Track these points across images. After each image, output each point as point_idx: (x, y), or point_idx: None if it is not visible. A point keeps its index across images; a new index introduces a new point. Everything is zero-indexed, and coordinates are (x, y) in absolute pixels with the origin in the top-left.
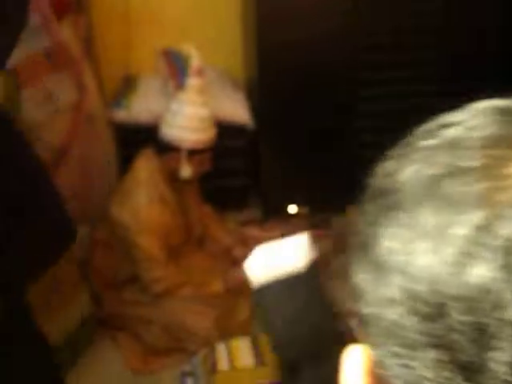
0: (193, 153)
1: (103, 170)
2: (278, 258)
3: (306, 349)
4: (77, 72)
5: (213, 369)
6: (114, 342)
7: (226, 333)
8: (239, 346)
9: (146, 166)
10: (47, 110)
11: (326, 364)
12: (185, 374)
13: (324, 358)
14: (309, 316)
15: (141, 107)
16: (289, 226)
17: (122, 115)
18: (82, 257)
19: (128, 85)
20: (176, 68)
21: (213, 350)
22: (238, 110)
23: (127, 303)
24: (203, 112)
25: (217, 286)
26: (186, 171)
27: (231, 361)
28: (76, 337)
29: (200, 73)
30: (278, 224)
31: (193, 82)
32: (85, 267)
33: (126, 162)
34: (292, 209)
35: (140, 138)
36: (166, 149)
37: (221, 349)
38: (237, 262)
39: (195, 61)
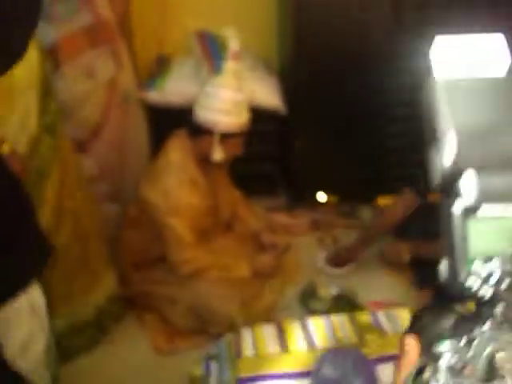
0: (226, 136)
1: (136, 149)
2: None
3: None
4: (115, 49)
5: (237, 354)
6: (140, 321)
7: (250, 317)
8: (264, 332)
9: (178, 147)
10: (86, 85)
11: None
12: (209, 358)
13: None
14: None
15: (174, 89)
16: (317, 213)
17: (155, 96)
18: (112, 235)
19: (161, 65)
20: (210, 51)
21: (238, 335)
22: (270, 95)
23: (155, 283)
24: (238, 96)
25: (243, 270)
26: (218, 154)
27: (256, 347)
28: (103, 314)
29: (237, 57)
30: (305, 211)
31: (230, 65)
32: (114, 245)
33: (157, 142)
34: (321, 197)
35: (172, 120)
36: (199, 131)
37: (246, 334)
38: (264, 247)
39: (233, 44)
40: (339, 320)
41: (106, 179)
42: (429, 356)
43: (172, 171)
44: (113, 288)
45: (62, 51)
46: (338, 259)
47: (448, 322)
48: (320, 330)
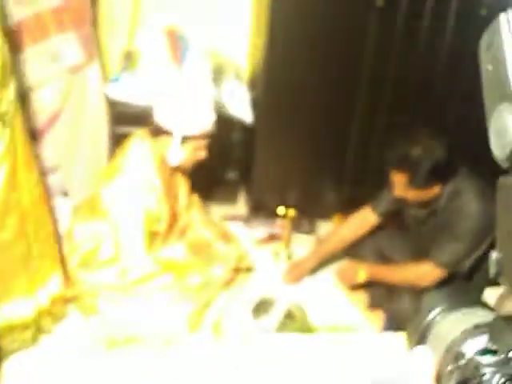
0: (188, 139)
1: (93, 143)
2: None
3: None
4: (83, 34)
5: None
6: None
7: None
8: None
9: (138, 148)
10: (52, 69)
11: None
12: None
13: None
14: None
15: (137, 86)
16: (273, 226)
17: (117, 91)
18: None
19: (128, 60)
20: (178, 49)
21: None
22: (239, 102)
23: (102, 285)
24: (202, 98)
25: (194, 280)
26: (176, 157)
27: None
28: (44, 314)
29: (203, 57)
30: (262, 223)
31: (195, 66)
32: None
33: (117, 139)
34: (280, 210)
35: (134, 117)
36: (160, 132)
37: None
38: (217, 258)
39: (199, 44)
40: None
41: (60, 171)
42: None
43: (130, 172)
44: (57, 288)
45: (26, 33)
46: (292, 275)
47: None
48: None
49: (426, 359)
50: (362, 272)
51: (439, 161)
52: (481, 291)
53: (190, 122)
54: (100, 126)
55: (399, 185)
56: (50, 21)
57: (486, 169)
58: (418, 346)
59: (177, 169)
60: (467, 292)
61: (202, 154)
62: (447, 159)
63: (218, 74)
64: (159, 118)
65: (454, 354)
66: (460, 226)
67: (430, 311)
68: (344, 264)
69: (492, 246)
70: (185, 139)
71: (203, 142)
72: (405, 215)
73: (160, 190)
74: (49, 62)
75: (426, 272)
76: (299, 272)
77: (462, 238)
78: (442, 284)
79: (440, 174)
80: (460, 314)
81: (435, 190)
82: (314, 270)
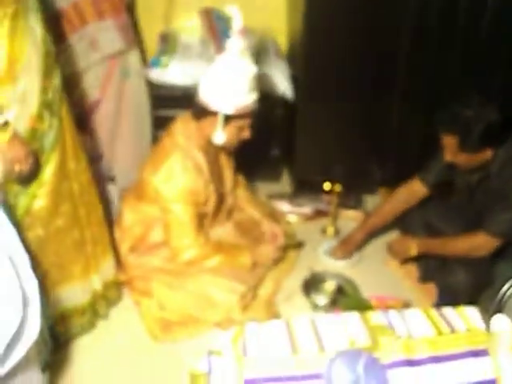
0: (231, 118)
1: (134, 129)
2: None
3: None
4: (121, 22)
5: (243, 352)
6: (137, 307)
7: (251, 309)
8: (272, 330)
9: (183, 131)
10: (91, 57)
11: None
12: (211, 353)
13: None
14: None
15: (179, 68)
16: (320, 202)
17: (159, 74)
18: (111, 217)
19: (166, 42)
20: (217, 29)
21: (243, 332)
22: (278, 78)
23: (153, 269)
24: (244, 75)
25: (246, 260)
26: (221, 137)
27: (263, 346)
28: (99, 299)
29: (242, 35)
30: (308, 199)
31: (235, 43)
32: (112, 229)
33: (160, 122)
34: (326, 185)
35: (176, 100)
36: (204, 113)
37: (252, 331)
38: (264, 237)
39: (238, 22)
40: (350, 319)
41: (104, 159)
42: None
43: (177, 156)
44: (110, 273)
45: (66, 21)
46: (341, 250)
47: None
48: (330, 329)
49: (506, 327)
50: (414, 246)
51: (492, 123)
52: None
53: (233, 102)
54: (142, 110)
55: (449, 149)
56: (87, 9)
57: None
58: (497, 315)
59: (222, 149)
60: None
61: (247, 134)
62: (500, 122)
63: (257, 51)
64: (203, 99)
65: None
66: None
67: (504, 282)
68: (395, 239)
69: None
70: (228, 119)
71: (247, 122)
72: (455, 183)
73: (207, 171)
74: (88, 51)
75: (479, 243)
76: (349, 247)
77: None
78: (508, 253)
79: (492, 137)
80: None
81: (487, 154)
82: (363, 244)
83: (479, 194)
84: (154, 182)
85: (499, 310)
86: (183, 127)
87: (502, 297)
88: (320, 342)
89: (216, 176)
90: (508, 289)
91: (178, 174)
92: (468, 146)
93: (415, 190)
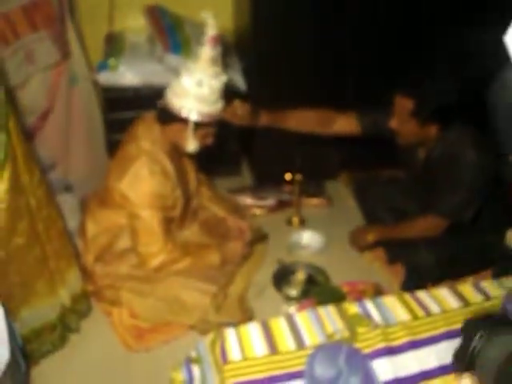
0: (198, 126)
1: (87, 134)
2: None
3: None
4: (58, 31)
5: (223, 358)
6: (108, 317)
7: (224, 307)
8: (250, 333)
9: (147, 136)
10: (27, 70)
11: None
12: (190, 361)
13: None
14: None
15: (128, 68)
16: (281, 193)
17: (108, 77)
18: (71, 227)
19: (113, 44)
20: (163, 26)
21: (221, 336)
22: (231, 73)
23: (121, 277)
24: (215, 83)
25: (213, 259)
26: (193, 144)
27: (242, 349)
28: (69, 313)
29: (215, 42)
30: (270, 191)
31: (207, 51)
32: (74, 239)
33: (114, 125)
34: (287, 175)
35: (128, 101)
36: (170, 118)
37: (230, 335)
38: (231, 233)
39: (211, 29)
40: (326, 312)
41: (58, 168)
42: None
43: (143, 160)
44: (77, 285)
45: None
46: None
47: None
48: (308, 325)
49: None
50: (371, 234)
51: (449, 101)
52: (484, 237)
53: (203, 110)
54: (93, 115)
55: (400, 114)
56: (19, 21)
57: None
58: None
59: (185, 153)
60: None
61: (210, 140)
62: (457, 103)
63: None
64: (171, 105)
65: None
66: (458, 176)
67: (469, 341)
68: (354, 229)
69: (493, 195)
70: (196, 126)
71: (212, 129)
72: (407, 163)
73: (173, 175)
74: (23, 64)
75: (430, 224)
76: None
77: (461, 188)
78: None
79: (444, 114)
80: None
81: (431, 131)
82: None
83: (429, 176)
84: (121, 188)
85: (471, 368)
86: (147, 131)
87: (471, 356)
88: (298, 339)
89: (181, 179)
90: (474, 347)
91: (145, 179)
92: (419, 114)
93: (348, 121)
